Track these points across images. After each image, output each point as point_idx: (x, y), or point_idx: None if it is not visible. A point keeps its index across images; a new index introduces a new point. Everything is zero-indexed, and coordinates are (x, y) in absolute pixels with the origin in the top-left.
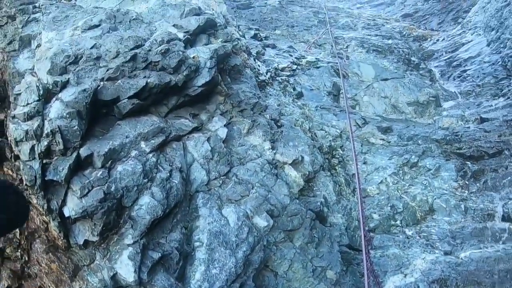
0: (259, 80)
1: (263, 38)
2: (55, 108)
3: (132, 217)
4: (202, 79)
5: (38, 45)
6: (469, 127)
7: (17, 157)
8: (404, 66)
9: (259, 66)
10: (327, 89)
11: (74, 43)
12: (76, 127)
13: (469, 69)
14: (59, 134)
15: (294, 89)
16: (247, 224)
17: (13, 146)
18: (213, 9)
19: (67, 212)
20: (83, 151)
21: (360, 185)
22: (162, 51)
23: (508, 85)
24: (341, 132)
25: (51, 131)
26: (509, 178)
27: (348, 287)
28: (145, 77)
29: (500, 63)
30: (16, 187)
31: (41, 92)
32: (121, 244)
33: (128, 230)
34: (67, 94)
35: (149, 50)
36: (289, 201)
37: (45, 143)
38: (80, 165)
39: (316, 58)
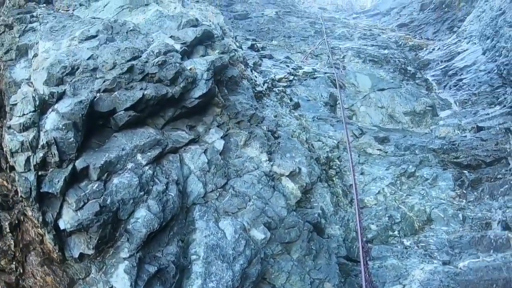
0: (256, 91)
1: (260, 49)
2: (51, 119)
3: (128, 230)
4: (199, 91)
5: (35, 55)
6: (466, 136)
7: (12, 168)
8: (401, 76)
9: (256, 77)
10: (324, 100)
11: (71, 54)
12: (72, 139)
13: (465, 78)
14: (55, 146)
15: (291, 99)
16: (244, 236)
17: (8, 156)
18: (210, 21)
19: (62, 224)
20: (79, 163)
21: (357, 196)
22: (159, 62)
23: (504, 93)
24: (338, 142)
25: (46, 142)
26: (506, 186)
27: None
28: (141, 89)
29: (495, 71)
30: None
31: (37, 103)
32: (117, 257)
33: (124, 243)
34: (63, 106)
35: (146, 62)
36: (286, 213)
37: (41, 154)
38: (76, 178)
39: (312, 69)
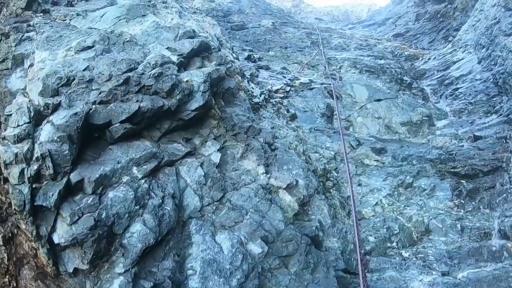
0: (253, 103)
1: (257, 60)
2: (45, 131)
3: (123, 245)
4: (195, 103)
5: (31, 65)
6: (462, 146)
7: (6, 180)
8: (397, 86)
9: (253, 88)
10: (321, 111)
11: (66, 64)
12: (66, 151)
13: (461, 87)
14: (49, 158)
15: (287, 111)
16: (241, 251)
17: (2, 168)
18: (207, 32)
19: (56, 239)
20: (74, 177)
21: (355, 208)
22: (156, 74)
23: (500, 102)
24: (335, 154)
25: (41, 155)
26: (504, 195)
27: None
28: (137, 101)
29: (491, 80)
30: None
31: (32, 114)
32: (112, 272)
33: (119, 258)
34: (59, 117)
35: (142, 74)
36: (283, 227)
37: (35, 167)
38: (71, 191)
39: (309, 80)
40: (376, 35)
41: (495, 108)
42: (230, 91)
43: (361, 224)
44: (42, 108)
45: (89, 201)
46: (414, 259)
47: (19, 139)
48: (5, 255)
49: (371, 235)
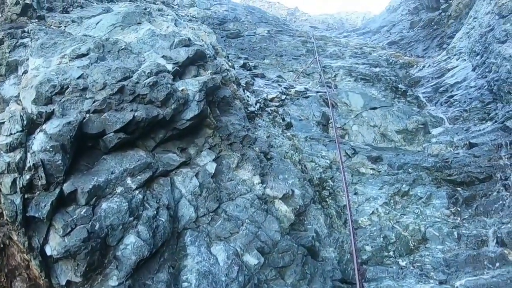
0: (248, 111)
1: (252, 68)
2: (38, 140)
3: (117, 257)
4: (190, 112)
5: (25, 72)
6: (458, 153)
7: None
8: (392, 94)
9: (248, 97)
10: (316, 119)
11: (61, 72)
12: (59, 161)
13: (456, 94)
14: (42, 168)
15: (283, 119)
16: (237, 262)
17: None
18: (202, 40)
19: (49, 250)
20: (67, 187)
21: (351, 217)
22: (150, 83)
23: (495, 109)
24: (331, 163)
25: (33, 164)
26: (500, 202)
27: None
28: (132, 110)
29: (486, 87)
30: None
31: (25, 122)
32: (105, 285)
33: (113, 270)
34: (52, 126)
35: (137, 82)
36: (280, 237)
37: (27, 177)
38: (63, 202)
39: (304, 88)
40: (371, 43)
41: (490, 115)
42: (225, 100)
43: (357, 233)
44: (35, 117)
45: (82, 212)
46: (411, 267)
47: (11, 148)
48: None
49: (367, 244)
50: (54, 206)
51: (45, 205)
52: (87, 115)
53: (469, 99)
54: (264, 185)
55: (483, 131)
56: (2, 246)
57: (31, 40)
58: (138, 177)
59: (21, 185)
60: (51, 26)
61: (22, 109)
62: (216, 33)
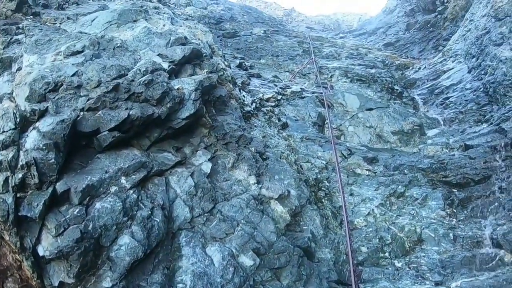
0: (244, 111)
1: (248, 68)
2: (31, 138)
3: (110, 258)
4: (186, 111)
5: (19, 68)
6: (454, 155)
7: None
8: (388, 95)
9: (244, 96)
10: (312, 120)
11: (55, 69)
12: (52, 160)
13: (452, 96)
14: (35, 167)
15: (279, 119)
16: (232, 263)
17: None
18: (199, 39)
19: (41, 251)
20: (60, 186)
21: (347, 218)
22: (146, 81)
23: (491, 111)
24: (326, 163)
25: (26, 163)
26: (496, 204)
27: None
28: (127, 108)
29: (482, 89)
30: None
31: (18, 120)
32: (98, 286)
33: (107, 272)
34: (45, 124)
35: (132, 80)
36: (275, 238)
37: (20, 175)
38: (56, 201)
39: (300, 88)
40: (367, 44)
41: (486, 117)
42: (221, 99)
43: (353, 234)
44: (28, 114)
45: (75, 212)
46: (407, 269)
47: (4, 146)
48: None
49: (363, 245)
50: (47, 205)
51: (37, 205)
52: (81, 113)
53: (465, 101)
54: (260, 186)
55: (478, 133)
56: None
57: (25, 36)
58: (133, 176)
59: (13, 184)
60: (46, 23)
61: (15, 106)
62: (212, 32)
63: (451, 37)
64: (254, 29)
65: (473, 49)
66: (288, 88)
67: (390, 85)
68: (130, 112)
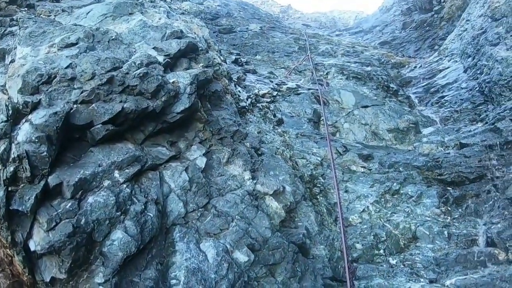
0: (239, 106)
1: (244, 63)
2: (23, 131)
3: (103, 253)
4: (181, 105)
5: (12, 61)
6: (449, 153)
7: None
8: (383, 93)
9: (239, 92)
10: (308, 116)
11: (48, 61)
12: (45, 153)
13: (447, 95)
14: (27, 160)
15: (274, 115)
16: (227, 259)
17: None
18: (195, 33)
19: (32, 246)
20: (52, 180)
21: (342, 215)
22: (141, 74)
23: (486, 110)
24: (322, 160)
25: (18, 156)
26: (490, 202)
27: None
28: (121, 101)
29: (477, 89)
30: None
31: (10, 112)
32: (91, 282)
33: (99, 267)
34: (38, 116)
35: (127, 73)
36: (270, 234)
37: (11, 168)
38: (48, 195)
39: (296, 85)
40: (363, 42)
41: (481, 117)
42: (216, 94)
43: (348, 231)
44: (21, 106)
45: (67, 206)
46: (402, 266)
47: None
48: None
49: (358, 242)
50: (39, 199)
51: (29, 198)
52: (75, 105)
53: (460, 100)
54: (255, 181)
55: (473, 132)
56: None
57: (19, 28)
58: (126, 170)
59: (4, 177)
60: (41, 15)
61: (8, 98)
62: (208, 28)
63: (447, 36)
64: (250, 25)
65: (469, 48)
66: (283, 85)
67: (385, 83)
68: (124, 105)
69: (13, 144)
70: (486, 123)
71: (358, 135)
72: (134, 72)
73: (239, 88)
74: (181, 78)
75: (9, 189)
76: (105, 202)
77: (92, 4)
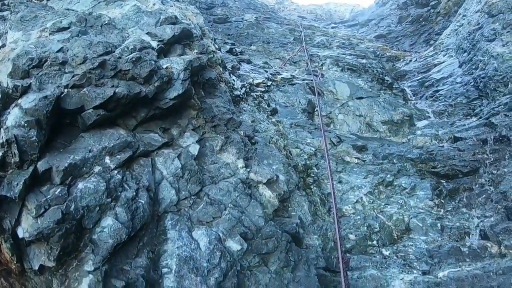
0: (233, 95)
1: (239, 53)
2: (13, 115)
3: (93, 240)
4: (174, 91)
5: (3, 45)
6: (443, 146)
7: None
8: (378, 85)
9: (234, 80)
10: (302, 107)
11: (40, 45)
12: (34, 137)
13: (442, 89)
14: (15, 145)
15: (268, 105)
16: (219, 248)
17: None
18: (189, 20)
19: (21, 233)
20: (41, 165)
21: (336, 205)
22: (133, 59)
23: (480, 105)
24: (316, 150)
25: (6, 140)
26: (483, 196)
27: None
28: (113, 86)
29: (472, 83)
30: None
31: (0, 96)
32: (80, 270)
33: (89, 255)
34: (27, 101)
35: (119, 58)
36: (263, 223)
37: (0, 153)
38: (37, 181)
39: (291, 75)
40: (359, 35)
41: (475, 111)
42: (210, 81)
43: (341, 222)
44: (10, 91)
45: (56, 192)
46: (395, 257)
47: None
48: None
49: (351, 233)
50: (27, 185)
51: (17, 184)
52: (66, 90)
53: (455, 94)
54: (248, 169)
55: (468, 126)
56: None
57: (10, 13)
58: (117, 156)
59: None
60: (33, 0)
61: None
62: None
63: (443, 31)
64: (245, 15)
65: (465, 44)
66: (278, 75)
67: (380, 75)
68: (116, 90)
69: (1, 129)
70: (481, 117)
71: (352, 126)
72: (127, 57)
73: (234, 77)
74: (175, 63)
75: None
76: (96, 188)
77: None
